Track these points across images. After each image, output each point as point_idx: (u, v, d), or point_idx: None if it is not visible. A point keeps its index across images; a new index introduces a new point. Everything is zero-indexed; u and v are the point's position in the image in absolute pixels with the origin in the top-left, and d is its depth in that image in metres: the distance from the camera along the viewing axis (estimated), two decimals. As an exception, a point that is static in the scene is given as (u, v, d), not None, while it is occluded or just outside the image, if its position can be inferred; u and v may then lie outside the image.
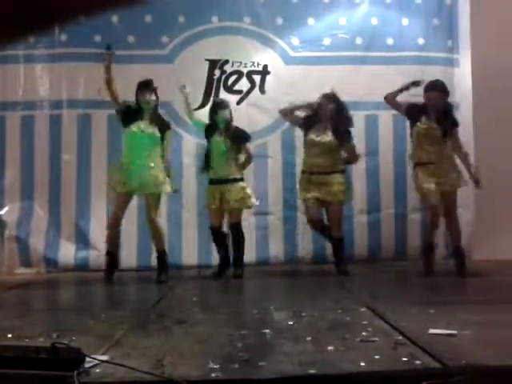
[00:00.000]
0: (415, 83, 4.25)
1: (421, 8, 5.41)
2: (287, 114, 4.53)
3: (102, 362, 1.78)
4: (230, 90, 5.29)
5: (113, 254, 4.28)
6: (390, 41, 5.37)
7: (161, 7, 5.22)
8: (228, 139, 4.42)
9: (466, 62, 5.37)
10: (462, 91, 5.33)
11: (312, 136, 4.43)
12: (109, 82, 4.18)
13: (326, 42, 5.33)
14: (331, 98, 4.41)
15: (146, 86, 4.22)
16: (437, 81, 4.29)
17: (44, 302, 3.73)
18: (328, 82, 5.11)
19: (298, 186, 4.60)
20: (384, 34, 5.36)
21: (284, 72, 5.29)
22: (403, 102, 4.32)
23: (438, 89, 4.22)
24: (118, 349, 2.04)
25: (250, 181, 5.20)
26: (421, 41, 5.39)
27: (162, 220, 5.05)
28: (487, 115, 5.06)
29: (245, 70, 5.28)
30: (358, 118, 5.19)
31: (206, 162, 4.49)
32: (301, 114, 4.51)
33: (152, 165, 4.19)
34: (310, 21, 5.35)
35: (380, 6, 5.39)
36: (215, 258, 4.96)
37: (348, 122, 4.46)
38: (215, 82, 5.26)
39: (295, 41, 5.33)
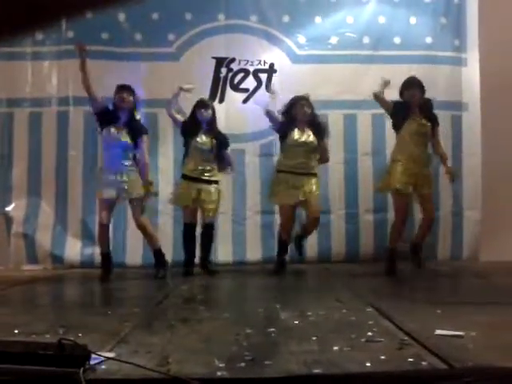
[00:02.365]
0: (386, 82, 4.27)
1: (429, 7, 5.39)
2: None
3: (108, 358, 1.79)
4: (236, 88, 5.29)
5: (107, 254, 4.28)
6: (397, 40, 5.35)
7: (167, 5, 5.23)
8: (211, 140, 4.39)
9: (473, 62, 5.35)
10: (469, 90, 5.31)
11: (295, 136, 4.39)
12: (86, 81, 4.14)
13: (333, 40, 5.31)
14: (307, 100, 4.40)
15: (123, 87, 4.18)
16: (413, 77, 4.29)
17: (50, 299, 3.74)
18: (334, 81, 5.11)
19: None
20: (391, 32, 5.34)
21: (290, 70, 5.28)
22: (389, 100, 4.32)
23: (417, 85, 4.22)
24: (124, 346, 2.04)
25: (255, 180, 5.22)
26: (428, 40, 5.37)
27: (169, 218, 5.09)
28: (495, 114, 5.04)
29: (251, 69, 5.28)
30: (365, 118, 5.20)
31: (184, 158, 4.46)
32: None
33: (129, 169, 4.16)
34: (317, 19, 5.34)
35: (388, 5, 5.37)
36: (220, 255, 4.99)
37: (324, 130, 4.48)
38: (221, 80, 5.26)
39: (302, 39, 5.32)
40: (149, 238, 4.35)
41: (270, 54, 5.31)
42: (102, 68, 5.01)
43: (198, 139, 4.39)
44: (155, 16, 5.24)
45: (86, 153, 5.13)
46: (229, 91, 5.27)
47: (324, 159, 4.56)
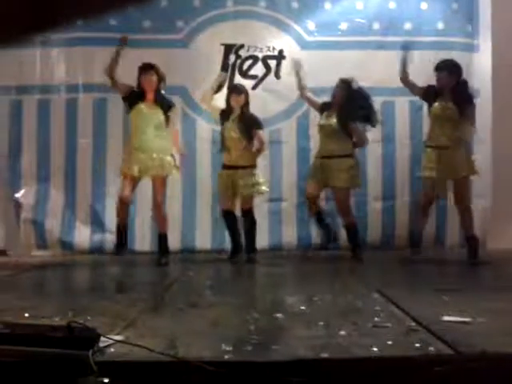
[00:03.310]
0: (405, 47, 4.27)
1: (440, -9, 5.30)
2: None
3: (117, 341, 1.81)
4: (245, 74, 5.25)
5: (120, 228, 4.32)
6: (407, 25, 5.27)
7: (176, -9, 5.20)
8: (239, 126, 4.40)
9: (486, 48, 5.26)
10: (481, 77, 5.23)
11: (320, 120, 4.49)
12: (112, 70, 4.25)
13: (343, 26, 5.25)
14: (345, 84, 4.40)
15: (147, 66, 4.26)
16: (446, 60, 4.25)
17: (60, 284, 3.78)
18: (344, 68, 5.05)
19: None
20: (402, 18, 5.26)
21: (300, 57, 5.22)
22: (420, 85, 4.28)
23: (445, 68, 4.17)
24: (133, 329, 2.06)
25: (264, 166, 5.20)
26: (440, 25, 5.29)
27: (177, 204, 5.10)
28: (506, 101, 4.97)
29: (260, 55, 5.24)
30: (375, 104, 5.13)
31: (222, 146, 4.49)
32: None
33: (156, 147, 4.20)
34: (327, 5, 5.27)
35: (398, -10, 5.29)
36: (228, 243, 4.99)
37: (360, 110, 4.44)
38: (230, 67, 5.23)
39: (311, 25, 5.26)
40: (160, 220, 4.35)
41: (279, 41, 5.26)
42: (109, 55, 4.99)
43: (229, 125, 4.43)
44: (164, 3, 5.21)
45: (96, 140, 5.13)
46: (238, 78, 5.24)
47: (358, 144, 4.55)
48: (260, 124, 4.49)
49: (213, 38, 5.22)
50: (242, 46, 5.23)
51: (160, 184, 4.28)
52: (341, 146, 4.43)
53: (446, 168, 4.16)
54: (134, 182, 4.27)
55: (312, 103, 4.71)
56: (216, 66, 5.19)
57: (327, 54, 5.17)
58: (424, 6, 5.29)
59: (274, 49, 5.24)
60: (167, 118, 4.31)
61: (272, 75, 5.24)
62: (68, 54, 5.17)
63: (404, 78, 4.25)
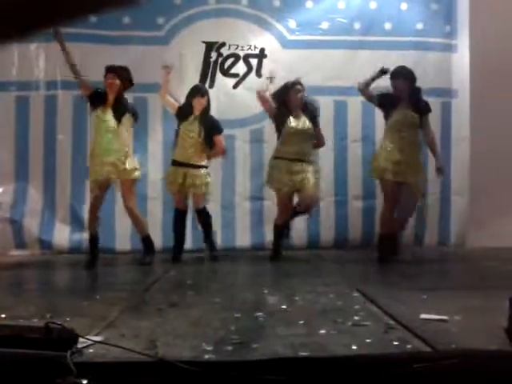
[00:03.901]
0: (383, 71, 4.23)
1: (420, -8, 5.37)
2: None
3: (96, 342, 1.79)
4: (226, 73, 5.25)
5: (96, 237, 4.26)
6: (388, 25, 5.32)
7: (157, -12, 5.16)
8: (202, 126, 4.37)
9: (464, 48, 5.34)
10: (459, 77, 5.32)
11: (292, 123, 4.36)
12: (69, 60, 4.19)
13: (324, 25, 5.28)
14: (301, 85, 4.37)
15: (110, 68, 4.18)
16: (402, 67, 4.28)
17: (38, 284, 3.73)
18: (325, 67, 5.09)
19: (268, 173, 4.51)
20: (382, 18, 5.32)
21: (281, 55, 5.24)
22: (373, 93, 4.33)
23: (403, 75, 4.22)
24: (112, 330, 2.05)
25: (245, 166, 5.21)
26: (419, 26, 5.35)
27: (159, 204, 5.07)
28: (485, 101, 5.05)
29: (242, 53, 5.24)
30: (355, 104, 5.18)
31: (175, 142, 4.47)
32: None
33: (118, 151, 4.14)
34: (308, 4, 5.29)
35: (379, -10, 5.33)
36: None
37: (315, 109, 4.47)
38: (211, 65, 5.22)
39: (292, 24, 5.28)
40: (137, 223, 4.32)
41: (261, 39, 5.26)
42: (89, 51, 4.95)
43: (188, 125, 4.38)
44: (144, -1, 5.17)
45: (75, 137, 5.08)
46: (219, 76, 5.23)
47: (321, 144, 4.58)
48: (220, 129, 4.47)
49: (194, 35, 5.20)
50: (223, 44, 5.22)
51: (127, 189, 4.20)
52: (311, 150, 4.47)
53: (406, 173, 4.21)
54: (103, 187, 4.19)
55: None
56: (197, 63, 5.17)
57: (308, 53, 5.20)
58: (404, 6, 5.35)
59: (255, 47, 5.24)
60: (119, 123, 4.17)
61: (253, 74, 5.24)
62: (47, 49, 5.08)
63: (364, 89, 4.31)
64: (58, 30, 4.02)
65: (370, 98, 4.39)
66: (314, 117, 4.44)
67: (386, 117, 4.36)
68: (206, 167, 4.46)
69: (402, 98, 4.24)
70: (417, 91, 4.30)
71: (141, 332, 2.01)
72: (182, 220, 4.49)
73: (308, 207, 4.41)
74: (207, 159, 4.47)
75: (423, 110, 4.29)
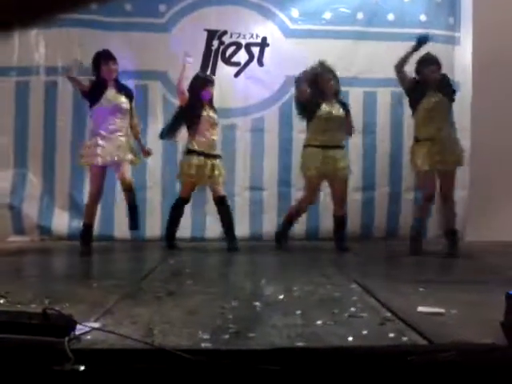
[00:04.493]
0: (422, 40, 4.13)
1: (424, -16, 5.32)
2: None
3: (93, 329, 1.80)
4: (227, 61, 5.22)
5: (90, 226, 4.25)
6: (391, 16, 5.29)
7: (159, -25, 5.12)
8: (215, 114, 4.40)
9: (467, 41, 5.32)
10: (461, 69, 5.29)
11: (326, 109, 4.34)
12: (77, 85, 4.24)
13: (327, 15, 5.25)
14: (332, 71, 4.36)
15: (109, 56, 4.16)
16: (429, 54, 4.24)
17: (37, 270, 3.74)
18: (327, 57, 5.05)
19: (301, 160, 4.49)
20: (385, 9, 5.28)
21: (283, 45, 5.21)
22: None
23: (434, 62, 4.19)
24: (110, 317, 2.05)
25: (246, 155, 5.20)
26: (422, 17, 5.32)
27: (157, 192, 5.07)
28: (486, 94, 5.03)
29: (243, 42, 5.21)
30: (357, 95, 5.17)
31: (172, 128, 4.44)
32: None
33: (121, 134, 4.17)
34: (311, -7, 5.25)
35: (383, -19, 5.29)
36: (209, 231, 5.00)
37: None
38: (213, 53, 5.19)
39: (295, 13, 5.24)
40: (131, 195, 4.26)
41: (263, 28, 5.23)
42: (90, 37, 4.93)
43: (210, 113, 4.38)
44: (147, -14, 5.13)
45: (75, 123, 5.06)
46: (220, 64, 5.20)
47: (350, 132, 4.55)
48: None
49: (196, 23, 5.17)
50: (225, 32, 5.19)
51: (126, 170, 4.21)
52: (343, 136, 4.45)
53: (442, 160, 4.16)
54: (102, 174, 4.19)
55: None
56: (199, 51, 5.14)
57: (310, 43, 5.17)
58: (407, -3, 5.31)
59: (257, 36, 5.22)
60: (131, 107, 4.26)
61: (255, 62, 5.21)
62: (47, 35, 5.06)
63: (400, 66, 4.20)
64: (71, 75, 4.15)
65: (404, 78, 4.27)
66: (345, 104, 4.43)
67: (414, 104, 4.27)
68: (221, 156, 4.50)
69: (431, 85, 4.18)
70: (445, 77, 4.26)
71: (138, 319, 2.01)
72: (181, 209, 4.49)
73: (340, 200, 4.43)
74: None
75: (452, 96, 4.24)
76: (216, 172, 4.37)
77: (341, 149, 4.41)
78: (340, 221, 4.50)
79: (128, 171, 4.26)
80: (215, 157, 4.41)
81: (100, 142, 4.13)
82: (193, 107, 4.36)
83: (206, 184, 4.46)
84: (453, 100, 4.27)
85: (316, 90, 4.34)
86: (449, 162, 4.19)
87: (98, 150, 4.10)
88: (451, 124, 4.30)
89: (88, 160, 4.17)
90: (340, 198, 4.46)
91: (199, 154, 4.35)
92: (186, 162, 4.37)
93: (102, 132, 4.14)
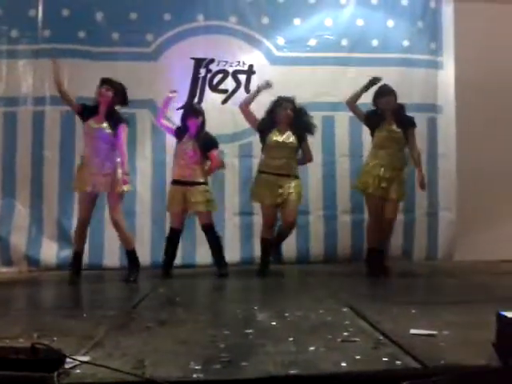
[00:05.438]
0: (374, 81, 4.28)
1: (406, 10, 5.47)
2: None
3: (83, 362, 1.77)
4: (215, 89, 5.29)
5: (80, 254, 4.23)
6: (374, 42, 5.41)
7: (146, 5, 5.22)
8: (197, 144, 4.39)
9: (449, 65, 5.45)
10: (445, 93, 5.41)
11: (276, 137, 4.39)
12: (60, 85, 4.17)
13: (312, 42, 5.35)
14: (291, 102, 4.41)
15: (105, 81, 4.18)
16: (385, 85, 4.34)
17: (25, 302, 3.68)
18: (313, 83, 5.15)
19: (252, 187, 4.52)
20: (369, 35, 5.41)
21: (269, 72, 5.28)
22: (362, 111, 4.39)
23: (389, 93, 4.29)
24: (99, 349, 2.02)
25: (234, 181, 5.21)
26: (405, 43, 5.45)
27: (146, 219, 5.06)
28: (470, 117, 5.14)
29: (230, 70, 5.28)
30: (343, 120, 5.25)
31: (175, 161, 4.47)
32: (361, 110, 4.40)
33: (108, 162, 4.14)
34: (296, 21, 5.37)
35: (366, 8, 5.43)
36: (200, 257, 4.98)
37: (310, 127, 4.48)
38: (200, 81, 5.25)
39: (281, 41, 5.34)
40: (124, 236, 4.27)
41: (249, 56, 5.32)
42: (78, 67, 4.98)
43: (183, 144, 4.41)
44: (133, 16, 5.21)
45: (63, 153, 5.06)
46: (208, 92, 5.26)
47: (308, 159, 4.58)
48: (215, 143, 4.48)
49: (183, 52, 5.24)
50: (212, 61, 5.26)
51: (115, 201, 4.16)
52: (295, 164, 4.48)
53: (389, 190, 4.25)
54: (91, 200, 4.17)
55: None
56: (186, 80, 5.20)
57: (296, 70, 5.26)
58: (390, 23, 5.45)
59: (243, 63, 5.30)
60: (114, 134, 4.18)
61: (242, 90, 5.28)
62: (35, 65, 5.10)
63: (351, 102, 4.36)
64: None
65: (356, 112, 4.43)
66: (301, 132, 4.45)
67: (372, 134, 4.42)
68: (206, 183, 4.45)
69: (387, 115, 4.30)
70: (400, 108, 4.36)
71: (128, 351, 1.98)
72: (176, 240, 4.47)
73: (290, 224, 4.40)
74: (206, 175, 4.46)
75: (407, 124, 4.33)
76: (194, 199, 4.32)
77: (291, 177, 4.39)
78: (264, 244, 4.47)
79: (115, 202, 4.19)
80: (197, 184, 4.37)
81: (86, 168, 4.11)
82: (177, 137, 4.45)
83: (192, 211, 4.44)
84: (408, 129, 4.32)
85: (270, 117, 4.40)
86: (393, 196, 4.26)
87: (84, 177, 4.10)
88: (411, 153, 4.35)
89: (78, 186, 4.14)
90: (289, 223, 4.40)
91: (180, 183, 4.37)
92: (170, 192, 4.42)
93: (89, 158, 4.12)
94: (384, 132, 4.31)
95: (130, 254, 4.30)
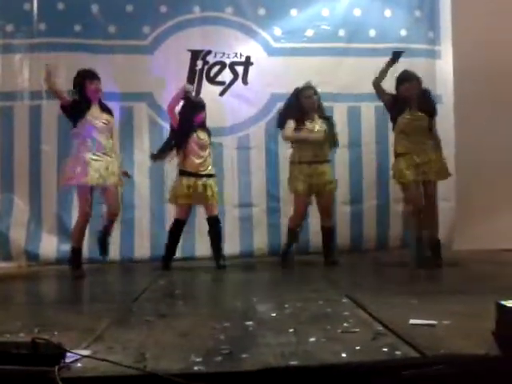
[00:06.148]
0: (397, 55, 4.17)
1: (403, 0, 5.43)
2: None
3: (83, 356, 1.77)
4: (212, 81, 5.26)
5: (80, 250, 4.22)
6: (372, 32, 5.38)
7: (142, -3, 5.18)
8: (207, 135, 4.45)
9: (447, 54, 5.42)
10: (443, 83, 5.38)
11: (308, 126, 4.39)
12: (49, 81, 4.09)
13: (309, 33, 5.32)
14: (313, 89, 4.41)
15: (94, 75, 4.14)
16: (407, 71, 4.29)
17: (25, 296, 3.69)
18: (310, 74, 5.12)
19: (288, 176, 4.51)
20: (367, 25, 5.37)
21: (266, 63, 5.27)
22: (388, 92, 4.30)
23: (412, 79, 4.23)
24: (100, 343, 2.02)
25: (233, 173, 5.21)
26: (403, 32, 5.42)
27: (146, 213, 5.05)
28: (468, 106, 5.12)
29: (227, 61, 5.26)
30: (341, 110, 5.23)
31: (163, 150, 4.45)
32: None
33: (109, 153, 4.14)
34: (293, 12, 5.34)
35: (362, -3, 5.39)
36: (199, 250, 4.98)
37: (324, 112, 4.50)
38: (198, 73, 5.23)
39: (277, 32, 5.31)
40: (113, 223, 4.28)
41: (246, 47, 5.29)
42: (74, 61, 4.94)
43: (200, 135, 4.42)
44: (129, 8, 5.18)
45: (60, 147, 5.04)
46: (205, 84, 5.24)
47: (336, 145, 4.58)
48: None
49: (179, 44, 5.21)
50: (209, 52, 5.24)
51: (116, 193, 4.19)
52: (326, 151, 4.47)
53: (427, 172, 4.21)
54: (91, 193, 4.16)
55: None
56: (183, 72, 5.18)
57: (293, 60, 5.23)
58: (388, 13, 5.42)
59: (241, 55, 5.27)
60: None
61: (239, 81, 5.25)
62: (31, 59, 5.07)
63: (377, 82, 4.26)
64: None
65: (382, 92, 4.31)
66: (328, 119, 4.47)
67: (393, 119, 4.34)
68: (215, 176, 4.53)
69: (412, 101, 4.22)
70: (425, 92, 4.30)
71: (129, 344, 1.99)
72: (180, 230, 4.48)
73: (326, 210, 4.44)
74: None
75: (431, 110, 4.28)
76: (208, 192, 4.36)
77: (326, 163, 4.43)
78: (328, 233, 4.51)
79: (116, 194, 4.21)
80: (207, 176, 4.41)
81: (87, 161, 4.05)
82: (183, 130, 4.40)
83: (201, 204, 4.45)
84: (432, 116, 4.29)
85: (297, 108, 4.39)
86: (430, 173, 4.23)
87: (86, 170, 4.03)
88: (433, 139, 4.31)
89: (76, 181, 4.09)
90: (328, 211, 4.47)
91: (190, 174, 4.36)
92: (179, 184, 4.39)
93: (89, 151, 4.07)
94: (408, 119, 4.21)
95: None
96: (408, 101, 4.23)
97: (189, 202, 4.41)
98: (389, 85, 4.27)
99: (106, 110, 4.22)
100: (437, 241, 4.32)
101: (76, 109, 4.09)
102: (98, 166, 4.06)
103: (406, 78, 4.22)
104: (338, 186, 4.58)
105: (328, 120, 4.50)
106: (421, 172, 4.20)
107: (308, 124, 4.39)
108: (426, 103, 4.28)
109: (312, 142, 4.38)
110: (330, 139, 4.47)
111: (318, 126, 4.41)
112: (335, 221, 5.13)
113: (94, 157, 4.07)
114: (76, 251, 4.18)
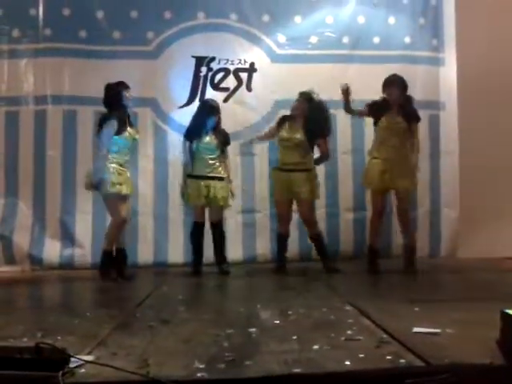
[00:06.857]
0: (344, 90, 4.25)
1: (407, 7, 5.45)
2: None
3: (87, 362, 1.77)
4: (216, 87, 5.28)
5: (111, 252, 4.23)
6: (376, 39, 5.39)
7: (146, 3, 5.21)
8: (217, 139, 4.44)
9: (451, 61, 5.43)
10: (447, 90, 5.39)
11: (283, 133, 4.45)
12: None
13: (313, 40, 5.34)
14: (307, 97, 4.42)
15: (127, 86, 4.20)
16: (393, 75, 4.32)
17: (29, 301, 3.69)
18: (314, 81, 5.13)
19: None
20: (371, 32, 5.39)
21: (270, 69, 5.29)
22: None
23: (392, 84, 4.25)
24: (104, 348, 2.02)
25: (236, 179, 5.21)
26: (407, 40, 5.43)
27: (149, 217, 5.06)
28: (472, 114, 5.11)
29: (232, 68, 5.27)
30: (344, 116, 5.21)
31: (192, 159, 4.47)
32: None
33: (128, 166, 4.25)
34: (297, 19, 5.36)
35: (367, 5, 5.41)
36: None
37: (325, 123, 4.48)
38: (202, 80, 5.25)
39: (281, 38, 5.33)
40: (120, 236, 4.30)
41: (250, 53, 5.31)
42: (79, 66, 4.97)
43: (211, 139, 4.45)
44: (134, 14, 5.21)
45: (65, 152, 5.07)
46: (209, 90, 5.25)
47: (324, 157, 4.56)
48: (229, 140, 4.58)
49: (184, 50, 5.24)
50: (213, 59, 5.26)
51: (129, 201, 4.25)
52: (304, 159, 4.46)
53: (394, 180, 4.23)
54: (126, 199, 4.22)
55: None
56: (187, 78, 5.20)
57: (297, 67, 5.25)
58: (392, 20, 5.43)
59: (245, 61, 5.28)
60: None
61: (243, 88, 5.27)
62: (36, 65, 5.10)
63: (347, 110, 4.39)
64: None
65: (360, 113, 4.44)
66: (309, 127, 4.43)
67: (375, 123, 4.38)
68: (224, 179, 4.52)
69: (394, 105, 4.26)
70: (408, 99, 4.33)
71: (132, 350, 1.98)
72: (202, 233, 4.49)
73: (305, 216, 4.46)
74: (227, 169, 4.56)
75: (412, 117, 4.29)
76: (211, 195, 4.36)
77: (302, 172, 4.41)
78: (314, 241, 4.52)
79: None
80: (215, 179, 4.42)
81: (119, 171, 4.13)
82: (193, 132, 4.45)
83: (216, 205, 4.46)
84: (412, 123, 4.27)
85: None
86: (399, 185, 4.25)
87: (119, 179, 4.11)
88: (411, 146, 4.29)
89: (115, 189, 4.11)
90: (306, 220, 4.50)
91: (196, 177, 4.38)
92: (189, 187, 4.42)
93: (120, 162, 4.15)
94: (387, 122, 4.26)
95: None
96: (389, 105, 4.25)
97: (199, 204, 4.40)
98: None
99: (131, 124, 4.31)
100: (411, 248, 4.35)
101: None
102: (123, 177, 4.16)
103: (388, 82, 4.26)
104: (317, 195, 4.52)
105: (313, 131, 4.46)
106: (388, 179, 4.21)
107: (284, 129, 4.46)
108: (406, 109, 4.28)
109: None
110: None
111: (291, 133, 4.42)
112: (334, 228, 5.14)
113: (122, 168, 4.19)
114: (109, 254, 4.20)
